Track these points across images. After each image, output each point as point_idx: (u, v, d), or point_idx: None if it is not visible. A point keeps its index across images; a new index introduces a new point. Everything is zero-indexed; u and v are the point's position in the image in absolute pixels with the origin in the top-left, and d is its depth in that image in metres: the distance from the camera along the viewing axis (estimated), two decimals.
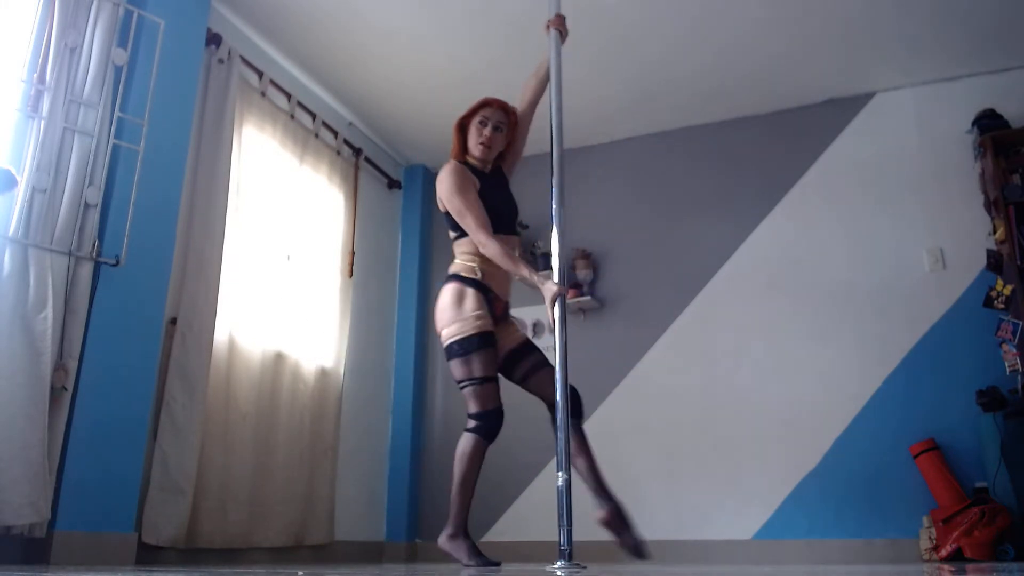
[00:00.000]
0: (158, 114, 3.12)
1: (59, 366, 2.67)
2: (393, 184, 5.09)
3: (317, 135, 4.35)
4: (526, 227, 4.85)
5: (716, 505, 4.08)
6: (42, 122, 2.77)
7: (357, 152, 4.71)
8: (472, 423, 2.62)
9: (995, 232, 3.76)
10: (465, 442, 2.61)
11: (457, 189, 2.66)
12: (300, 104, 4.22)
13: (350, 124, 4.73)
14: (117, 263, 2.88)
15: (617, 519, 2.51)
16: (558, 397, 2.29)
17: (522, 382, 2.74)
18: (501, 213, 2.73)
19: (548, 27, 2.73)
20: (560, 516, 2.16)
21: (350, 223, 4.56)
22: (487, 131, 2.75)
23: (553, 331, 2.39)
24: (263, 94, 3.94)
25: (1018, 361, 3.53)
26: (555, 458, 2.23)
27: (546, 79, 2.75)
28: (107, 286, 2.89)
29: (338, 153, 4.52)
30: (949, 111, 4.23)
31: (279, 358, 3.82)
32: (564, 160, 2.70)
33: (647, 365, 4.45)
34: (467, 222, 2.64)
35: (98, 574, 1.86)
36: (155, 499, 3.03)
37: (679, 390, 4.33)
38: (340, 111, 4.65)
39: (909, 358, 3.98)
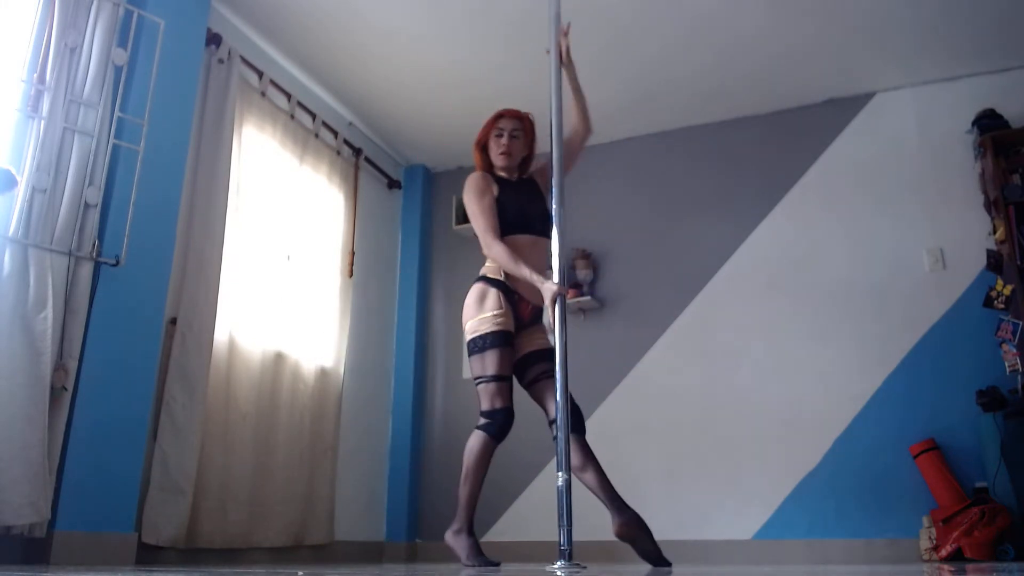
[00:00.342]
0: (158, 114, 3.12)
1: (59, 366, 2.67)
2: (393, 184, 5.09)
3: (317, 135, 4.35)
4: None
5: (716, 505, 4.08)
6: (42, 122, 2.77)
7: (357, 152, 4.71)
8: (481, 420, 2.66)
9: (995, 232, 3.76)
10: (473, 439, 2.65)
11: (471, 194, 2.81)
12: (300, 104, 4.22)
13: (350, 124, 4.73)
14: (117, 263, 2.88)
15: (634, 529, 2.51)
16: (558, 397, 2.29)
17: (528, 387, 2.77)
18: (529, 216, 2.80)
19: (549, 51, 2.78)
20: (560, 516, 2.16)
21: (350, 223, 4.56)
22: (504, 140, 2.90)
23: (553, 331, 2.40)
24: (263, 94, 3.94)
25: (1018, 361, 3.53)
26: (555, 458, 2.23)
27: (580, 106, 2.88)
28: (107, 286, 2.89)
29: (338, 153, 4.52)
30: (949, 111, 4.23)
31: (279, 358, 3.82)
32: (564, 160, 2.70)
33: (647, 365, 4.45)
34: (476, 225, 2.78)
35: (98, 574, 1.86)
36: (155, 499, 3.03)
37: (679, 390, 4.33)
38: (340, 111, 4.65)
39: (909, 358, 3.98)
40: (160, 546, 3.04)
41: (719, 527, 4.05)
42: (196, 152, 3.48)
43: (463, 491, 2.65)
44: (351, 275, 4.47)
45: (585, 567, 2.18)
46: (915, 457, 3.72)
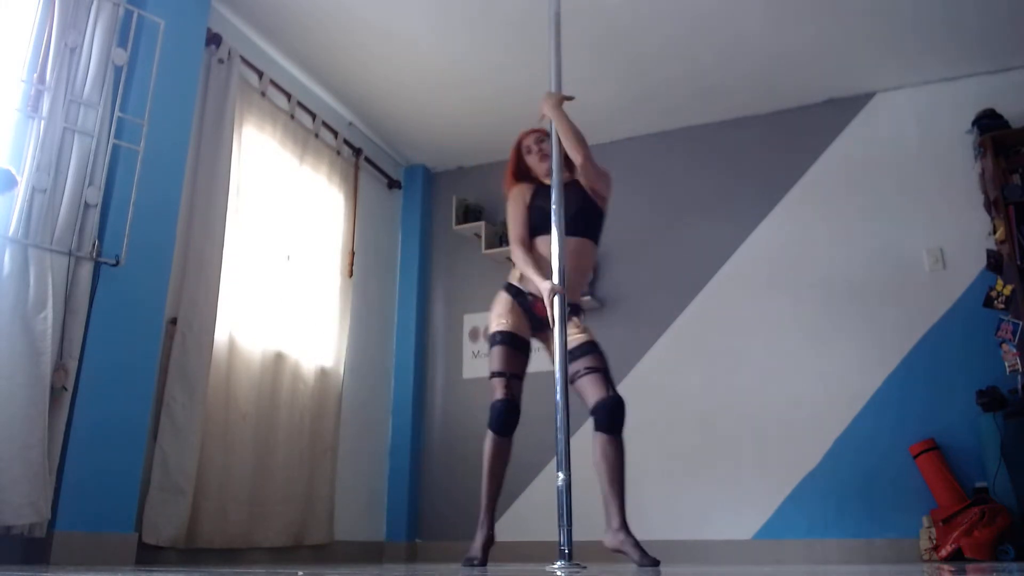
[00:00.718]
0: (158, 114, 3.12)
1: (59, 366, 2.67)
2: (393, 184, 5.09)
3: (317, 135, 4.35)
4: None
5: (716, 505, 4.08)
6: (42, 122, 2.77)
7: (357, 152, 4.71)
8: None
9: (995, 232, 3.76)
10: (486, 438, 2.78)
11: (508, 205, 3.03)
12: (300, 104, 4.22)
13: (350, 124, 4.73)
14: (117, 263, 2.88)
15: (626, 549, 2.53)
16: (558, 397, 2.29)
17: (572, 385, 2.79)
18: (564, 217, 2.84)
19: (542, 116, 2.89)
20: (560, 516, 2.16)
21: (350, 223, 4.56)
22: (535, 150, 3.04)
23: (552, 329, 2.42)
24: (263, 94, 3.94)
25: (1018, 361, 3.53)
26: (555, 458, 2.23)
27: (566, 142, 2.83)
28: (107, 286, 2.89)
29: (338, 153, 4.52)
30: (949, 111, 4.23)
31: (279, 358, 3.82)
32: (564, 160, 2.71)
33: (647, 365, 4.44)
34: (509, 233, 3.00)
35: (98, 574, 1.86)
36: (155, 499, 3.03)
37: (679, 390, 4.33)
38: (340, 111, 4.65)
39: (909, 358, 3.98)
40: (160, 546, 3.04)
41: (719, 527, 4.05)
42: (196, 152, 3.48)
43: (482, 490, 2.75)
44: (351, 275, 4.47)
45: (585, 567, 2.18)
46: (915, 457, 3.72)
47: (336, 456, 4.13)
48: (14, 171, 2.52)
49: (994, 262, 3.79)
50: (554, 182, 2.58)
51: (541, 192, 2.95)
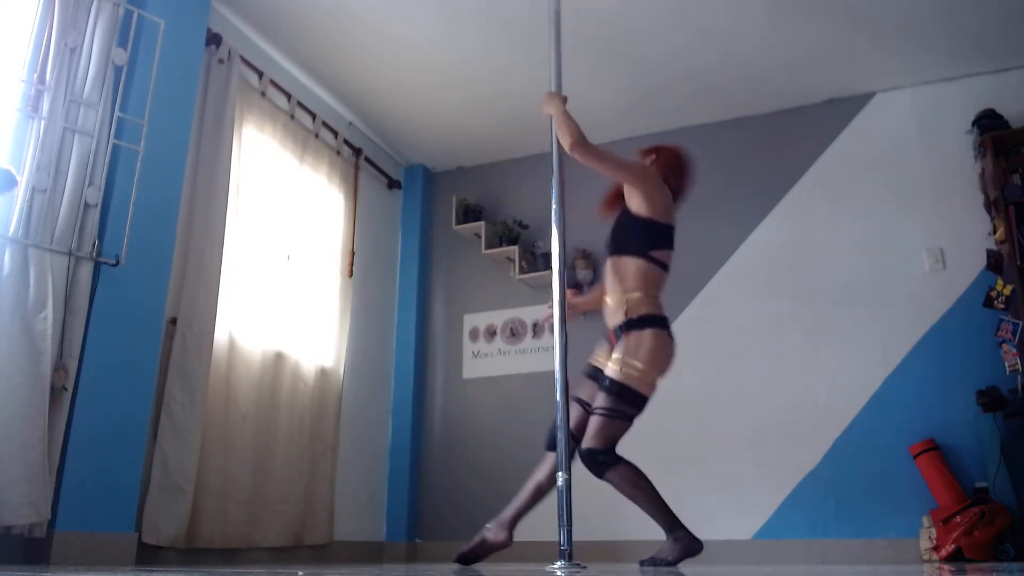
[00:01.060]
0: (158, 114, 3.12)
1: (59, 366, 2.67)
2: (393, 184, 5.09)
3: (317, 135, 4.35)
4: (526, 227, 4.86)
5: (716, 505, 4.07)
6: (42, 122, 2.77)
7: (357, 152, 4.71)
8: None
9: (995, 232, 3.76)
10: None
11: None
12: (300, 104, 4.22)
13: (350, 124, 4.73)
14: (117, 263, 2.88)
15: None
16: (558, 397, 2.30)
17: None
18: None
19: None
20: (560, 516, 2.17)
21: (350, 223, 4.56)
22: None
23: (553, 331, 2.42)
24: (263, 94, 3.94)
25: (1018, 361, 3.53)
26: (555, 458, 2.23)
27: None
28: (107, 286, 2.89)
29: (338, 153, 4.52)
30: (949, 111, 4.23)
31: (279, 358, 3.82)
32: (564, 160, 2.71)
33: None
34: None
35: (98, 574, 1.86)
36: (155, 499, 3.03)
37: (679, 390, 4.30)
38: (340, 111, 4.65)
39: (909, 358, 3.98)
40: (160, 546, 3.04)
41: (719, 527, 4.04)
42: (196, 152, 3.48)
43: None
44: (351, 275, 4.47)
45: (585, 567, 2.18)
46: (915, 457, 3.72)
47: (336, 456, 4.13)
48: (14, 171, 2.52)
49: (994, 262, 3.79)
50: (555, 179, 2.57)
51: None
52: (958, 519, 3.43)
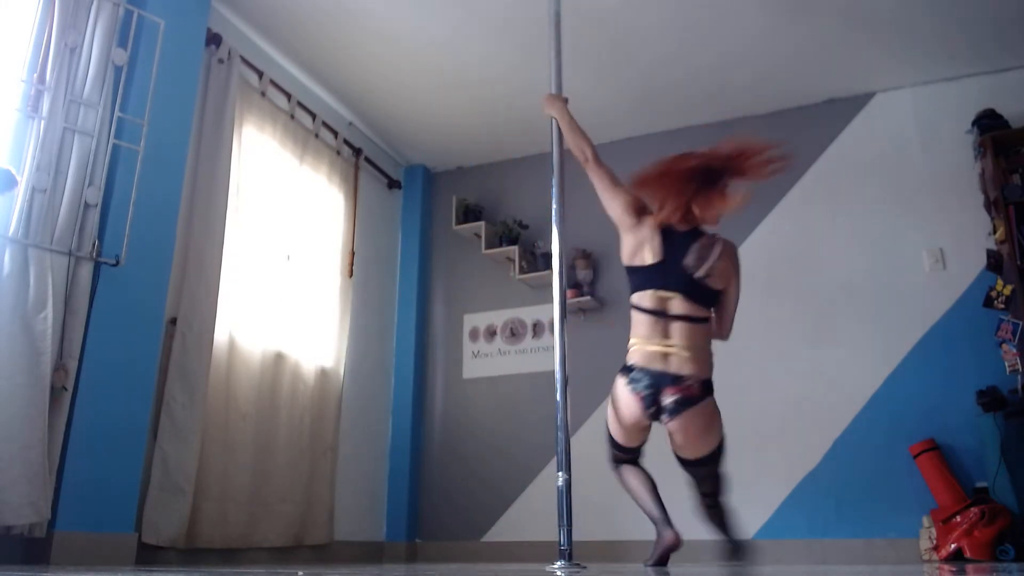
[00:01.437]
0: (158, 114, 3.12)
1: (59, 366, 2.67)
2: (393, 184, 5.09)
3: (317, 135, 4.35)
4: (526, 227, 4.86)
5: None
6: (42, 122, 2.77)
7: (357, 152, 4.71)
8: None
9: (995, 232, 3.76)
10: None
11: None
12: (300, 104, 4.22)
13: (350, 124, 4.73)
14: (117, 263, 2.88)
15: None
16: (558, 397, 2.30)
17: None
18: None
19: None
20: (560, 516, 2.16)
21: (350, 223, 4.56)
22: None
23: (553, 331, 2.42)
24: (263, 94, 3.94)
25: (1018, 361, 3.53)
26: (555, 458, 2.23)
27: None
28: (107, 286, 2.89)
29: (338, 153, 4.52)
30: (949, 111, 4.22)
31: (279, 358, 3.82)
32: (564, 160, 2.71)
33: None
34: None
35: (98, 574, 1.86)
36: (155, 499, 3.03)
37: None
38: (340, 111, 4.65)
39: (909, 358, 3.98)
40: (160, 546, 3.04)
41: None
42: (196, 152, 3.48)
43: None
44: (351, 275, 4.47)
45: (585, 567, 2.18)
46: (915, 457, 3.72)
47: (336, 456, 4.13)
48: (14, 171, 2.52)
49: (994, 262, 3.79)
50: (555, 179, 2.58)
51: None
52: (958, 519, 3.43)
